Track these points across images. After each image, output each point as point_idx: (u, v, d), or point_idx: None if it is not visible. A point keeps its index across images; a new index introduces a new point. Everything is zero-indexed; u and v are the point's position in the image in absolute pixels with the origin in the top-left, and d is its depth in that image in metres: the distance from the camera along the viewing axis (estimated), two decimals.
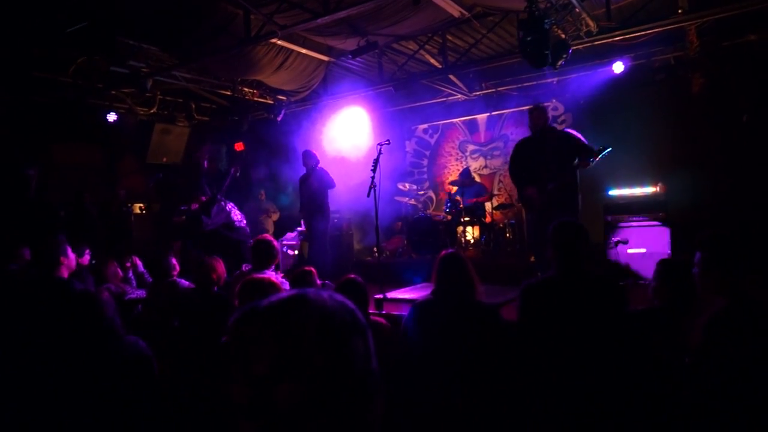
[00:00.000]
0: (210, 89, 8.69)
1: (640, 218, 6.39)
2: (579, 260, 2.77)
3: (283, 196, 9.71)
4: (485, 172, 9.96)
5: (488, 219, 8.56)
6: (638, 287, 5.55)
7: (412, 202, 9.75)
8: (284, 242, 8.62)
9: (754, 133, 6.84)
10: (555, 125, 9.15)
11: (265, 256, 4.15)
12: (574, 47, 6.11)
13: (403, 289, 6.11)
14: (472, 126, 10.15)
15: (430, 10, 5.91)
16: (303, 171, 7.46)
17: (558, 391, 2.59)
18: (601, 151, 5.06)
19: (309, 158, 7.26)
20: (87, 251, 5.64)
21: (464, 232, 8.42)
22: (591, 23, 5.98)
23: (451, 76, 8.41)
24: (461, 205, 8.36)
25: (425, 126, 10.63)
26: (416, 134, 10.78)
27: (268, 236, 4.43)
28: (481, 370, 2.71)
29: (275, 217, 9.69)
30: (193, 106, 9.67)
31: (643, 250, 6.22)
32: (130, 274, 5.50)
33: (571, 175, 5.28)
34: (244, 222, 6.60)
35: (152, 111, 9.07)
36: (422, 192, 10.37)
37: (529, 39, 5.27)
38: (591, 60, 7.76)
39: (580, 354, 2.59)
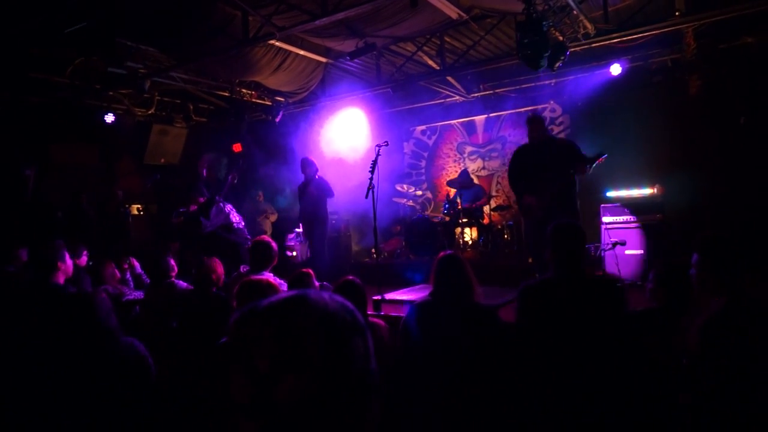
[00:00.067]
0: (208, 90, 8.69)
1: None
2: (577, 261, 2.78)
3: (281, 197, 9.70)
4: (483, 173, 9.97)
5: (486, 220, 8.57)
6: (636, 288, 5.57)
7: (411, 203, 9.76)
8: (287, 244, 8.63)
9: (750, 135, 6.87)
10: (553, 126, 9.20)
11: (264, 257, 4.14)
12: (572, 49, 6.13)
13: (401, 291, 6.11)
14: (470, 127, 10.16)
15: (428, 12, 5.92)
16: (300, 173, 7.47)
17: (556, 393, 2.59)
18: (597, 157, 5.17)
19: (308, 166, 7.27)
20: (84, 252, 5.64)
21: (462, 233, 8.43)
22: (588, 25, 6.00)
23: (449, 78, 8.42)
24: (459, 207, 8.38)
25: (423, 127, 10.64)
26: (414, 136, 10.79)
27: (267, 238, 4.43)
28: (479, 371, 2.71)
29: (273, 218, 9.69)
30: (191, 107, 9.66)
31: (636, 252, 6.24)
32: (128, 275, 5.50)
33: (570, 183, 5.31)
34: (243, 224, 6.61)
35: (150, 112, 9.05)
36: (420, 193, 10.37)
37: (526, 41, 5.29)
38: (588, 62, 7.79)
39: (578, 355, 2.60)
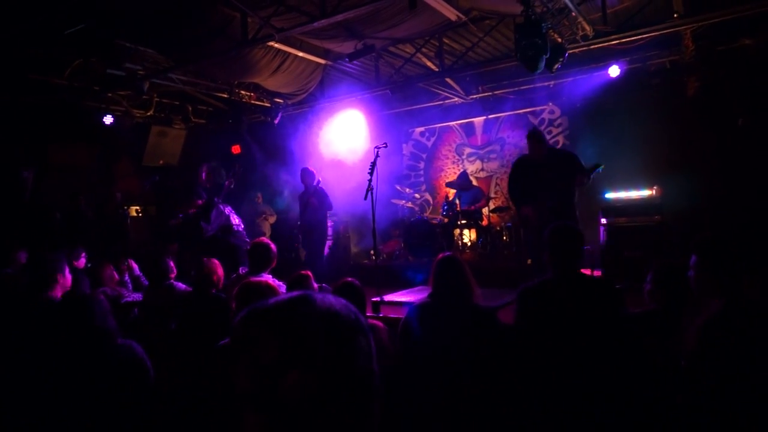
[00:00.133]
0: (207, 92, 8.69)
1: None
2: (575, 263, 2.79)
3: (280, 199, 9.70)
4: (482, 175, 9.97)
5: (485, 222, 8.57)
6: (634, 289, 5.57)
7: (409, 205, 9.76)
8: None
9: (748, 137, 6.89)
10: (552, 128, 9.21)
11: (263, 259, 4.14)
12: (571, 51, 6.14)
13: (400, 292, 6.11)
14: (468, 129, 10.17)
15: (426, 14, 5.92)
16: (299, 174, 7.49)
17: (555, 394, 2.59)
18: (594, 169, 5.28)
19: (308, 177, 7.31)
20: (83, 254, 5.63)
21: (461, 235, 8.44)
22: (587, 27, 6.01)
23: (448, 80, 8.43)
24: (458, 208, 8.38)
25: (422, 129, 10.65)
26: (413, 137, 10.80)
27: (266, 239, 4.43)
28: (478, 373, 2.71)
29: (272, 220, 9.69)
30: (190, 108, 9.66)
31: None
32: (126, 277, 5.49)
33: (570, 194, 5.34)
34: (242, 227, 6.61)
35: (149, 113, 9.05)
36: (419, 195, 10.38)
37: (525, 43, 5.29)
38: (587, 64, 7.80)
39: (577, 356, 2.60)
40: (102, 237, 7.76)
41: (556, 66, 5.87)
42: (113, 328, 2.62)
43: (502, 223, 8.68)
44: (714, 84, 7.19)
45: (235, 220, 6.49)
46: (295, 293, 0.83)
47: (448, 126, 10.31)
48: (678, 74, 7.52)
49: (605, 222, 6.57)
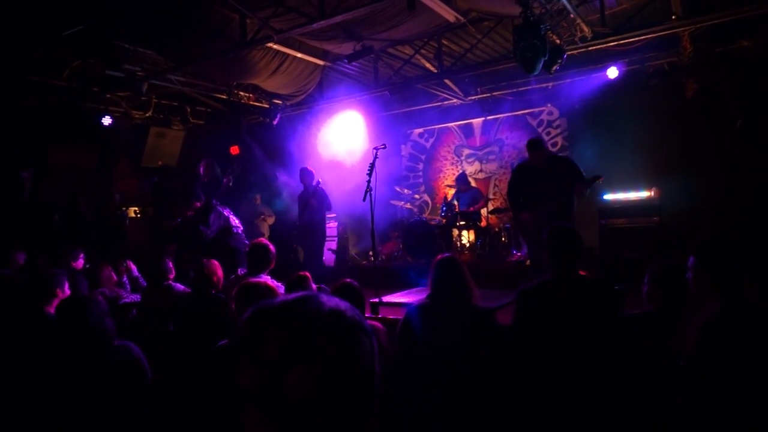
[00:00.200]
0: (205, 93, 8.69)
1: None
2: (574, 264, 2.79)
3: (278, 200, 9.70)
4: (480, 176, 9.98)
5: (484, 223, 8.57)
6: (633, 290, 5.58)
7: (408, 206, 9.76)
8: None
9: (747, 138, 6.90)
10: (550, 129, 9.22)
11: (262, 260, 4.13)
12: (569, 52, 6.14)
13: (399, 293, 6.11)
14: (467, 130, 10.18)
15: (425, 15, 5.93)
16: (298, 175, 7.49)
17: (553, 394, 2.59)
18: (593, 180, 5.34)
19: (307, 176, 7.29)
20: (81, 255, 5.62)
21: (460, 236, 8.44)
22: (586, 29, 6.02)
23: (447, 81, 8.43)
24: (457, 209, 8.38)
25: (421, 130, 10.65)
26: (412, 138, 10.80)
27: (265, 240, 4.42)
28: (477, 373, 2.71)
29: (271, 221, 9.68)
30: (189, 109, 9.66)
31: None
32: (125, 278, 5.48)
33: (569, 202, 5.36)
34: (242, 228, 6.59)
35: (147, 114, 9.05)
36: (418, 196, 10.38)
37: (524, 44, 5.30)
38: (586, 65, 7.81)
39: (576, 357, 2.60)
40: (100, 238, 7.76)
41: (554, 67, 5.88)
42: (110, 329, 2.62)
43: (501, 224, 8.68)
44: (712, 85, 7.20)
45: (235, 221, 6.47)
46: (302, 292, 0.84)
47: (447, 127, 10.32)
48: (676, 76, 7.53)
49: (604, 223, 6.58)
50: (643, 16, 6.15)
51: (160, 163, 9.76)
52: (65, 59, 6.89)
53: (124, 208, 8.90)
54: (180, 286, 4.49)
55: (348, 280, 3.29)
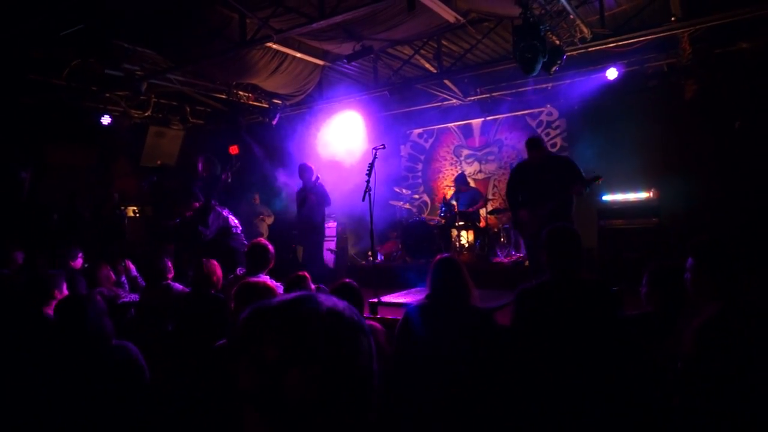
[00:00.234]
0: (205, 92, 8.68)
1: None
2: (573, 265, 2.79)
3: (277, 200, 9.70)
4: (480, 176, 9.98)
5: (483, 223, 8.58)
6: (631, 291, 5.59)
7: (407, 206, 9.77)
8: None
9: (746, 140, 6.91)
10: (550, 130, 9.22)
11: (260, 259, 4.14)
12: (568, 53, 6.14)
13: (397, 293, 6.11)
14: (466, 131, 10.18)
15: (425, 16, 5.93)
16: (297, 175, 7.48)
17: (552, 395, 2.59)
18: (592, 181, 5.39)
19: (306, 172, 7.28)
20: (80, 254, 5.62)
21: (459, 236, 8.44)
22: (585, 30, 6.02)
23: (446, 81, 8.43)
24: (456, 210, 8.38)
25: (420, 130, 10.65)
26: (411, 139, 10.80)
27: (264, 240, 4.42)
28: (476, 374, 2.71)
29: (269, 221, 9.68)
30: (188, 109, 9.65)
31: None
32: (123, 277, 5.48)
33: (568, 201, 5.37)
34: (240, 229, 6.59)
35: (146, 114, 9.04)
36: (417, 196, 10.38)
37: (523, 45, 5.30)
38: (585, 66, 7.81)
39: (574, 358, 2.60)
40: (99, 237, 7.75)
41: (554, 68, 5.88)
42: (108, 329, 2.61)
43: (500, 225, 8.69)
44: (711, 87, 7.21)
45: (234, 221, 6.47)
46: (300, 293, 0.84)
47: (446, 127, 10.32)
48: (675, 77, 7.53)
49: (602, 224, 6.59)
50: (643, 17, 6.16)
51: (159, 162, 9.75)
52: (64, 58, 6.87)
53: (122, 208, 8.89)
54: (179, 286, 4.49)
55: (347, 280, 3.29)
